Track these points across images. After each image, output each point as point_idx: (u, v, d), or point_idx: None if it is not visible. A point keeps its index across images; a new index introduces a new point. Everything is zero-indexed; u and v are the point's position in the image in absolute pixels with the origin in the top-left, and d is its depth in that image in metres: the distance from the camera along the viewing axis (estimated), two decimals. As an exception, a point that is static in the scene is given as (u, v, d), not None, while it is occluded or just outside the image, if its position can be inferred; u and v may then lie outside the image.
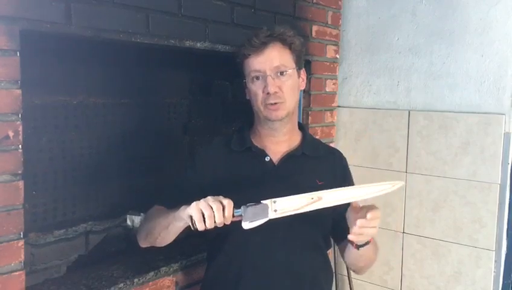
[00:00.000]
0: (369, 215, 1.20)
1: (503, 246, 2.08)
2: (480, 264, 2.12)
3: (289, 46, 1.42)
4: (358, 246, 1.33)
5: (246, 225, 1.21)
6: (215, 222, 1.18)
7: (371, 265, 1.52)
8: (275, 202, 1.22)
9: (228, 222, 1.20)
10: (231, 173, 1.44)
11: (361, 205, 1.25)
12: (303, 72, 1.50)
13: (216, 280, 1.49)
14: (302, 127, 1.57)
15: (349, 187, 1.28)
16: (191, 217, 1.20)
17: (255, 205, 1.22)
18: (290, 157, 1.46)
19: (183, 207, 1.25)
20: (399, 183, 1.22)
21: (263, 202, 1.22)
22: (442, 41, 2.19)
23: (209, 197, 1.20)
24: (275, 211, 1.22)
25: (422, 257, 2.28)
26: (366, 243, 1.32)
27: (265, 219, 1.22)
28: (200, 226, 1.19)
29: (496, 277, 2.10)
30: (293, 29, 1.47)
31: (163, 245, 1.44)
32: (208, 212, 1.17)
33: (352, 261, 1.49)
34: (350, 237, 1.26)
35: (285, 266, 1.41)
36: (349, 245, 1.36)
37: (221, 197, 1.21)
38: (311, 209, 1.22)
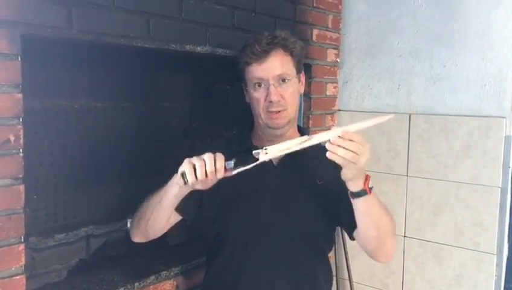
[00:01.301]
0: (344, 131, 1.16)
1: (505, 250, 2.08)
2: (482, 268, 2.11)
3: (291, 52, 1.43)
4: (352, 194, 1.26)
5: (234, 171, 1.21)
6: (206, 174, 1.18)
7: (387, 239, 1.39)
8: (266, 148, 1.21)
9: (220, 175, 1.20)
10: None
11: None
12: (302, 75, 1.51)
13: (215, 282, 1.49)
14: (301, 129, 1.57)
15: (338, 127, 1.22)
16: (182, 174, 1.20)
17: (245, 154, 1.23)
18: (289, 158, 1.46)
19: (175, 174, 1.25)
20: (389, 115, 1.21)
21: (254, 151, 1.22)
22: (443, 45, 2.20)
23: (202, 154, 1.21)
24: (266, 153, 1.21)
25: (424, 260, 2.28)
26: (362, 193, 1.26)
27: (257, 162, 1.22)
28: (191, 179, 1.19)
29: (498, 281, 2.09)
30: (293, 34, 1.47)
31: (155, 231, 1.42)
32: (199, 162, 1.18)
33: (363, 233, 1.37)
34: (328, 154, 1.18)
35: (284, 269, 1.41)
36: (353, 201, 1.29)
37: (211, 153, 1.21)
38: (303, 147, 1.21)
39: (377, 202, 1.32)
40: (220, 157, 1.20)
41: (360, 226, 1.35)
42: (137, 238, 1.47)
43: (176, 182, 1.26)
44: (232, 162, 1.21)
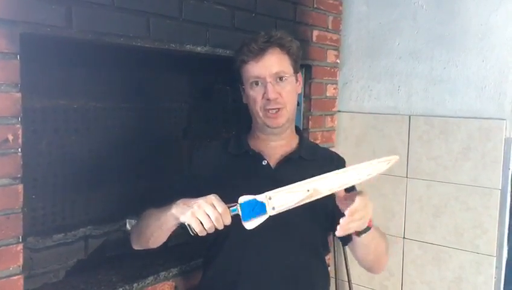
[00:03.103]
0: (356, 202, 1.16)
1: (504, 252, 2.07)
2: (481, 270, 2.11)
3: (287, 51, 1.43)
4: (358, 233, 1.28)
5: (248, 225, 1.20)
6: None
7: (383, 258, 1.46)
8: (270, 198, 1.19)
9: (228, 224, 1.19)
10: (228, 176, 1.43)
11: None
12: (299, 75, 1.51)
13: (212, 284, 1.48)
14: (299, 131, 1.57)
15: (342, 170, 1.21)
16: (189, 225, 1.20)
17: (248, 199, 1.20)
18: (287, 161, 1.46)
19: (174, 207, 1.24)
20: (394, 159, 1.18)
21: (257, 197, 1.20)
22: (443, 47, 2.19)
23: (201, 202, 1.18)
24: (273, 208, 1.19)
25: (423, 262, 2.27)
26: (367, 230, 1.28)
27: (266, 216, 1.20)
28: (200, 230, 1.18)
29: (497, 283, 2.09)
30: (290, 34, 1.48)
31: (155, 246, 1.42)
32: (209, 224, 1.17)
33: (361, 255, 1.43)
34: (337, 232, 1.19)
35: (281, 270, 1.41)
36: (354, 237, 1.32)
37: (213, 199, 1.18)
38: (310, 201, 1.19)
39: (376, 229, 1.35)
40: (225, 213, 1.18)
41: (357, 253, 1.42)
42: (138, 247, 1.49)
43: (176, 219, 1.24)
44: (236, 209, 1.19)
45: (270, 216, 1.20)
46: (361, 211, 1.18)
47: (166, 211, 1.27)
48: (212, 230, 1.18)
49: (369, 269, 1.52)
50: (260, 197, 1.20)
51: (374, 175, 1.17)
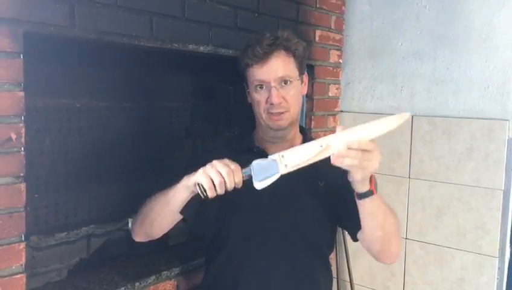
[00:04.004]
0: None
1: (507, 253, 2.07)
2: (484, 271, 2.10)
3: (293, 54, 1.41)
4: (359, 195, 1.24)
5: (258, 185, 1.19)
6: (226, 187, 1.17)
7: (393, 239, 1.37)
8: (283, 156, 1.19)
9: (239, 186, 1.19)
10: None
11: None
12: (305, 76, 1.49)
13: (214, 283, 1.48)
14: (303, 130, 1.57)
15: (356, 127, 1.17)
16: (199, 185, 1.19)
17: (262, 160, 1.19)
18: None
19: (185, 177, 1.24)
20: (406, 115, 1.17)
21: (271, 156, 1.20)
22: (446, 47, 2.19)
23: (214, 162, 1.19)
24: (286, 165, 1.18)
25: (425, 263, 2.27)
26: (369, 193, 1.23)
27: (277, 175, 1.19)
28: (211, 193, 1.18)
29: (499, 284, 2.08)
30: (295, 34, 1.46)
31: (158, 232, 1.41)
32: (219, 179, 1.16)
33: (368, 234, 1.34)
34: (332, 158, 1.14)
35: (284, 270, 1.40)
36: (357, 201, 1.26)
37: (226, 160, 1.19)
38: (322, 158, 1.17)
39: (383, 201, 1.30)
40: (237, 170, 1.18)
41: (365, 228, 1.33)
42: (139, 237, 1.46)
43: (189, 187, 1.24)
44: (249, 170, 1.19)
45: (281, 175, 1.19)
46: (364, 151, 1.13)
47: (176, 185, 1.27)
48: (223, 188, 1.17)
49: (379, 253, 1.40)
50: (273, 156, 1.19)
51: (385, 132, 1.15)
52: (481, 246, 2.11)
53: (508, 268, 2.07)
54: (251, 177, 1.19)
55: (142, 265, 1.68)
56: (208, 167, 1.19)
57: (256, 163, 1.19)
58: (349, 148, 1.12)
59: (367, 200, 1.24)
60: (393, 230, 1.36)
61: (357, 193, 1.24)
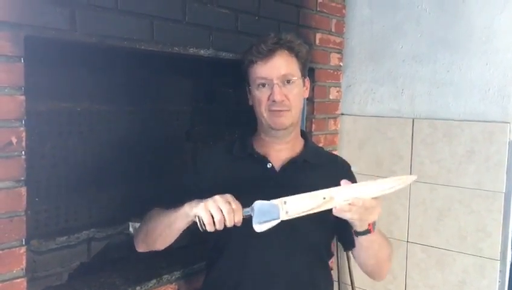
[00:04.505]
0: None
1: (508, 256, 2.06)
2: (485, 274, 2.10)
3: (296, 54, 1.41)
4: (356, 233, 1.29)
5: (258, 228, 1.19)
6: (224, 224, 1.18)
7: (384, 265, 1.47)
8: (285, 202, 1.20)
9: (239, 225, 1.20)
10: (232, 178, 1.43)
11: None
12: (307, 80, 1.49)
13: (215, 287, 1.48)
14: (304, 134, 1.57)
15: (361, 184, 1.23)
16: (199, 218, 1.20)
17: (263, 203, 1.20)
18: (291, 164, 1.45)
19: (187, 205, 1.24)
20: (412, 178, 1.21)
21: (273, 201, 1.20)
22: (447, 50, 2.19)
23: (217, 197, 1.19)
24: (287, 212, 1.19)
25: (427, 266, 2.26)
26: (366, 232, 1.28)
27: (277, 221, 1.19)
28: (210, 228, 1.18)
29: (501, 287, 2.08)
30: (299, 37, 1.47)
31: (161, 248, 1.42)
32: (219, 216, 1.17)
33: (361, 259, 1.43)
34: (334, 210, 1.19)
35: (284, 274, 1.40)
36: (355, 238, 1.33)
37: (228, 197, 1.20)
38: (323, 209, 1.19)
39: (379, 236, 1.35)
40: (238, 209, 1.19)
41: (358, 255, 1.42)
42: (142, 249, 1.48)
43: (189, 216, 1.25)
44: (249, 210, 1.20)
45: (281, 221, 1.20)
46: (366, 208, 1.18)
47: (178, 209, 1.27)
48: (222, 225, 1.18)
49: (370, 274, 1.51)
50: (275, 201, 1.20)
51: (388, 192, 1.19)
52: (482, 249, 2.10)
53: (510, 271, 2.07)
54: (251, 217, 1.20)
55: (143, 269, 1.68)
56: (210, 201, 1.19)
57: (258, 205, 1.20)
58: (352, 205, 1.17)
59: (363, 237, 1.30)
60: (386, 257, 1.44)
61: (354, 231, 1.30)
